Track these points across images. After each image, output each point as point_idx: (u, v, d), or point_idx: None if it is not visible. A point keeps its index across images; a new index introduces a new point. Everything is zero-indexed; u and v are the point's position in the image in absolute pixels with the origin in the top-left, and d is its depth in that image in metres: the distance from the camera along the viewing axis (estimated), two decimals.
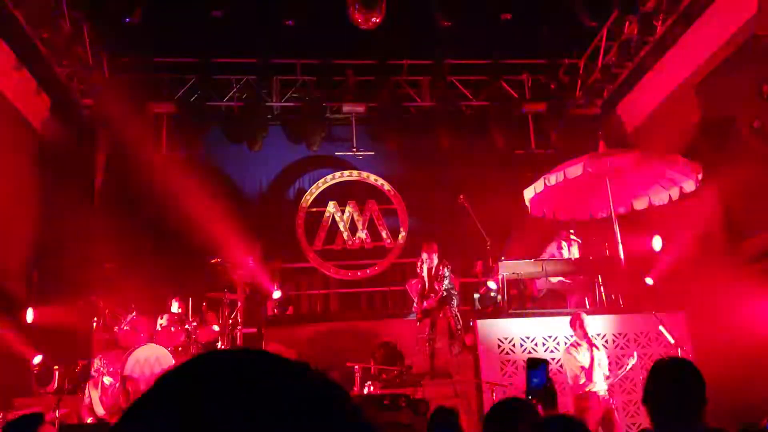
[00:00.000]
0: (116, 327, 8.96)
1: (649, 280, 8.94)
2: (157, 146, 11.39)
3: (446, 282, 8.88)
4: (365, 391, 8.04)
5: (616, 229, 8.41)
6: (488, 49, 11.49)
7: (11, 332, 8.60)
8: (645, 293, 8.45)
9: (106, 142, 11.61)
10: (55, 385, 8.52)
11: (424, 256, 9.10)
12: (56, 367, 8.79)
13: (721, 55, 9.23)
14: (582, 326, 6.64)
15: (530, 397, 2.97)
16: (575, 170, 8.21)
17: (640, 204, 9.33)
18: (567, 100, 12.22)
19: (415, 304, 9.21)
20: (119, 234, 10.75)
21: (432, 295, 8.89)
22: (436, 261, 9.04)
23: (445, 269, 8.96)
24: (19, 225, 10.46)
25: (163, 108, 11.44)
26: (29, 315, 9.58)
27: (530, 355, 7.13)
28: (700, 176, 8.38)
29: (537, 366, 3.02)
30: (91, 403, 6.84)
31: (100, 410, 6.73)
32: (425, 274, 9.10)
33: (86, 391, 6.98)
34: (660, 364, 2.61)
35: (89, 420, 6.62)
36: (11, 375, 8.34)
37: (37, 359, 8.66)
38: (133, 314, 8.95)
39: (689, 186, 8.66)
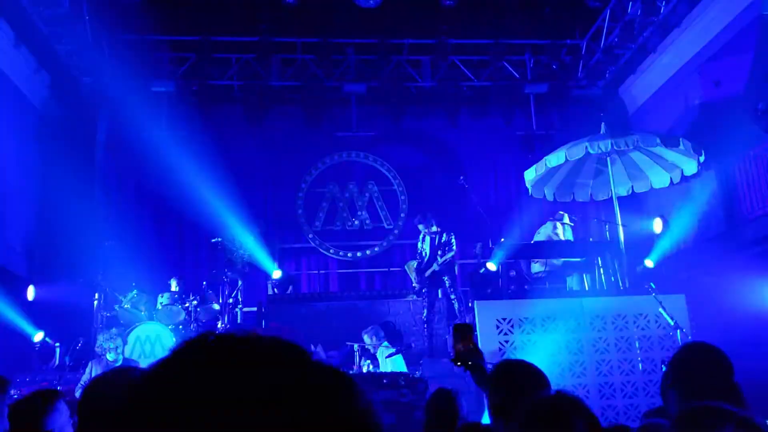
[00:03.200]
0: (117, 305, 9.01)
1: (649, 263, 8.95)
2: (158, 124, 11.34)
3: (450, 252, 8.90)
4: (364, 369, 8.10)
5: (617, 211, 8.40)
6: (490, 28, 11.39)
7: (13, 309, 8.64)
8: (645, 275, 8.46)
9: (107, 120, 11.58)
10: (56, 361, 8.58)
11: (421, 227, 9.13)
12: (57, 344, 8.86)
13: (725, 36, 9.16)
14: None
15: (458, 363, 2.95)
16: (576, 151, 8.19)
17: (640, 186, 9.32)
18: (569, 81, 12.17)
19: (414, 282, 9.19)
20: (120, 212, 10.77)
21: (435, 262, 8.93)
22: (435, 229, 9.05)
23: (451, 236, 8.98)
24: (20, 203, 10.47)
25: (163, 86, 11.36)
26: (30, 292, 9.63)
27: (522, 337, 7.18)
28: (701, 159, 8.36)
29: (463, 331, 3.01)
30: (90, 376, 6.90)
31: None
32: (427, 245, 9.10)
33: (88, 368, 7.03)
34: (692, 348, 2.58)
35: None
36: (13, 352, 8.39)
37: (39, 336, 8.72)
38: (134, 292, 8.99)
39: (690, 168, 8.64)
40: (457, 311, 8.91)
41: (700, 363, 2.49)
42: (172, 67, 11.49)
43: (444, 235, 9.07)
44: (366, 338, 8.39)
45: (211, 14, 10.56)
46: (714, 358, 2.49)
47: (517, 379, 2.47)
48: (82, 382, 6.90)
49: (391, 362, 8.09)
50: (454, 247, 8.90)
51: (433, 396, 3.95)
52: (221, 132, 11.63)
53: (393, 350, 8.23)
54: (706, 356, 2.52)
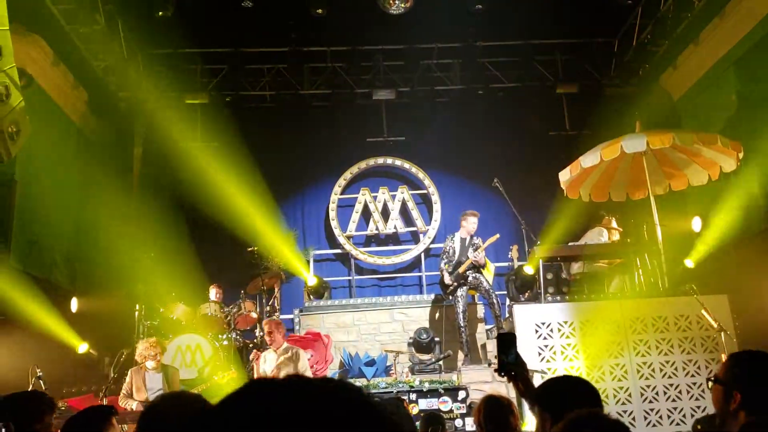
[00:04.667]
0: (158, 315, 9.17)
1: (689, 263, 8.80)
2: (193, 136, 11.53)
3: (479, 254, 8.95)
4: (402, 377, 8.11)
5: (654, 210, 8.27)
6: (520, 29, 11.32)
7: (58, 321, 8.84)
8: (685, 276, 8.32)
9: (143, 133, 11.81)
10: (102, 372, 8.76)
11: (472, 221, 9.22)
12: (95, 353, 9.05)
13: (761, 30, 8.97)
14: None
15: (502, 374, 2.95)
16: (611, 151, 8.09)
17: (678, 184, 9.17)
18: (601, 79, 12.04)
19: (448, 282, 9.12)
20: (158, 224, 10.97)
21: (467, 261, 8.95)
22: (472, 229, 9.09)
23: (479, 239, 9.05)
24: (62, 217, 10.72)
25: (197, 98, 11.54)
26: (74, 304, 9.85)
27: (561, 341, 7.11)
28: (740, 155, 8.19)
29: (508, 341, 3.00)
30: (132, 388, 7.04)
31: (143, 394, 6.91)
32: (457, 245, 9.14)
33: (128, 377, 7.18)
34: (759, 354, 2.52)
35: (133, 406, 6.81)
36: (59, 363, 8.57)
37: (83, 347, 8.91)
38: (175, 302, 9.15)
39: (729, 165, 8.47)
40: (496, 316, 8.89)
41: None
42: (205, 79, 11.66)
43: (474, 237, 9.14)
44: None
45: (242, 26, 10.68)
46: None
47: (573, 398, 2.46)
48: (124, 391, 7.03)
49: None
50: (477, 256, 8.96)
51: (486, 404, 3.87)
52: (254, 141, 11.75)
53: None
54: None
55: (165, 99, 11.36)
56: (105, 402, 6.52)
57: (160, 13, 9.45)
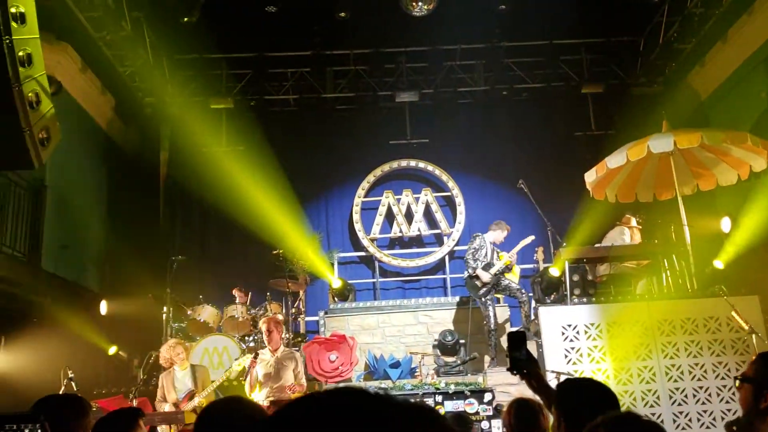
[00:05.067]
0: (185, 317, 9.27)
1: (718, 263, 8.67)
2: (218, 141, 11.65)
3: (514, 255, 8.96)
4: (427, 379, 8.10)
5: (682, 210, 8.16)
6: (544, 29, 11.26)
7: (88, 324, 8.99)
8: (714, 277, 8.20)
9: (169, 138, 11.96)
10: (132, 374, 8.88)
11: (502, 234, 9.25)
12: (125, 355, 9.18)
13: None
14: None
15: (514, 372, 2.94)
16: (638, 151, 8.00)
17: (706, 184, 9.04)
18: (627, 79, 11.92)
19: (487, 279, 9.04)
20: (184, 227, 11.10)
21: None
22: (497, 239, 9.10)
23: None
24: (91, 221, 10.91)
25: (221, 103, 11.66)
26: (103, 307, 10.01)
27: (588, 343, 7.06)
28: None
29: (519, 339, 3.00)
30: (164, 391, 7.10)
31: (173, 396, 6.97)
32: (489, 247, 9.12)
33: (160, 382, 7.25)
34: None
35: (165, 407, 6.87)
36: (89, 365, 8.71)
37: (112, 350, 9.04)
38: (202, 304, 9.25)
39: (759, 164, 8.33)
40: (525, 315, 8.86)
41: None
42: (229, 83, 11.77)
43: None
44: None
45: (266, 30, 10.77)
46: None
47: (589, 398, 2.45)
48: (159, 396, 7.05)
49: None
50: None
51: (516, 407, 3.85)
52: (278, 145, 11.84)
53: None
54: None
55: (190, 104, 11.52)
56: (135, 403, 6.61)
57: (186, 19, 9.57)
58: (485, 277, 8.88)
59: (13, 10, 5.40)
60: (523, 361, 2.92)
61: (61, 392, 6.21)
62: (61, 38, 9.60)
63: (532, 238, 9.20)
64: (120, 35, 9.78)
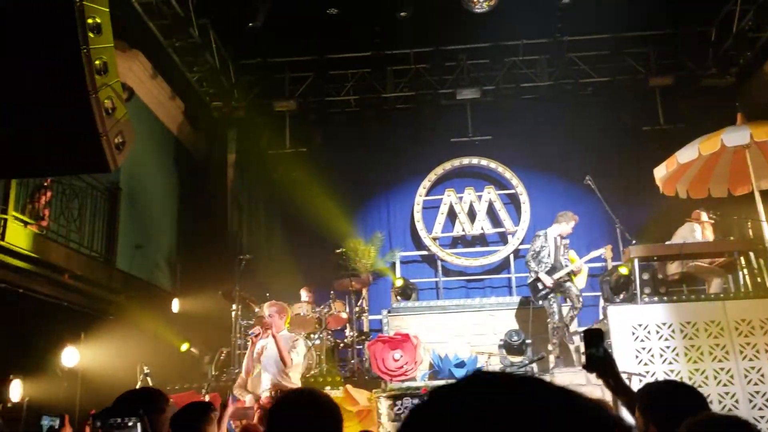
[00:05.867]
0: (254, 315, 9.46)
1: None
2: (281, 143, 11.86)
3: (582, 263, 8.76)
4: None
5: (759, 206, 7.82)
6: (609, 21, 10.99)
7: (161, 321, 9.29)
8: None
9: (235, 140, 12.25)
10: (203, 370, 9.13)
11: (570, 225, 8.93)
12: (197, 351, 9.44)
13: None
14: None
15: (591, 370, 2.84)
16: (710, 145, 7.72)
17: None
18: (697, 70, 11.50)
19: (549, 284, 8.89)
20: (251, 227, 11.35)
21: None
22: (564, 232, 8.88)
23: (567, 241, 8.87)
24: (163, 222, 11.29)
25: (285, 106, 11.85)
26: (175, 305, 10.33)
27: (660, 343, 6.87)
28: None
29: (596, 336, 2.91)
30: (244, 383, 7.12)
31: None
32: (552, 246, 8.88)
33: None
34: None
35: (247, 399, 6.90)
36: (162, 361, 9.00)
37: (184, 346, 9.31)
38: (272, 304, 9.41)
39: None
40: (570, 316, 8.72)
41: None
42: (292, 86, 11.96)
43: (565, 238, 8.92)
44: None
45: (327, 33, 10.89)
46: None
47: (680, 401, 2.38)
48: (235, 392, 7.12)
49: None
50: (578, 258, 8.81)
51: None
52: (340, 145, 11.96)
53: None
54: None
55: (255, 107, 11.77)
56: (207, 398, 6.79)
57: (251, 24, 9.77)
58: (548, 281, 8.67)
59: (90, 21, 5.65)
60: (600, 359, 2.81)
61: (137, 387, 6.43)
62: (132, 45, 9.96)
63: (603, 250, 8.99)
64: (188, 42, 10.08)
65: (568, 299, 8.95)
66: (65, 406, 7.13)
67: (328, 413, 2.15)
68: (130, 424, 2.46)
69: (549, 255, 8.80)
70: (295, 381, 6.40)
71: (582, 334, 3.18)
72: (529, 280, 9.01)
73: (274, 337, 6.42)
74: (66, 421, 3.22)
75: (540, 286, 8.79)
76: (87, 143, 5.92)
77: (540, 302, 8.90)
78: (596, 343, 2.85)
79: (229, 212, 11.80)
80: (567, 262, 8.82)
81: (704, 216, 8.83)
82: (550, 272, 8.70)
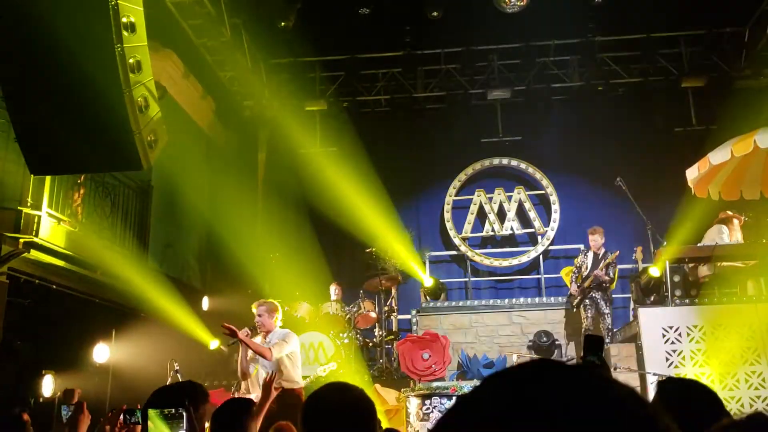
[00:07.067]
0: (283, 313, 9.53)
1: None
2: (312, 142, 11.94)
3: (610, 271, 8.84)
4: None
5: None
6: (641, 22, 10.87)
7: (191, 319, 9.42)
8: None
9: (266, 139, 12.37)
10: (232, 368, 9.23)
11: (590, 237, 9.24)
12: (226, 349, 9.54)
13: None
14: None
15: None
16: (743, 146, 7.60)
17: None
18: (731, 71, 11.32)
19: (574, 291, 9.00)
20: (282, 225, 11.45)
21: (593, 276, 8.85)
22: (594, 246, 9.03)
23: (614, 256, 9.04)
24: (193, 220, 11.43)
25: (316, 105, 11.94)
26: (205, 302, 10.46)
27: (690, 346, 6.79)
28: None
29: (597, 343, 2.92)
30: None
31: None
32: (590, 261, 9.04)
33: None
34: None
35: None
36: (193, 358, 9.14)
37: (214, 344, 9.43)
38: (303, 303, 9.50)
39: None
40: (606, 328, 8.69)
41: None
42: (323, 86, 12.05)
43: (609, 254, 8.99)
44: None
45: (358, 32, 10.95)
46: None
47: (694, 402, 2.35)
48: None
49: None
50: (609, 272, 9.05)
51: None
52: (370, 144, 12.00)
53: None
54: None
55: (286, 106, 11.87)
56: (236, 395, 6.86)
57: (282, 23, 9.87)
58: (572, 288, 9.28)
59: (124, 20, 5.77)
60: (597, 366, 2.85)
61: (167, 383, 6.52)
62: (165, 45, 10.12)
63: (616, 253, 9.21)
64: (220, 41, 10.23)
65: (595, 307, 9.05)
66: (96, 403, 7.27)
67: (364, 405, 2.18)
68: (177, 414, 2.53)
69: (586, 269, 9.27)
70: (296, 378, 6.35)
71: (583, 339, 3.18)
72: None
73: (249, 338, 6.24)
74: (84, 408, 3.30)
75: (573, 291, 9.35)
76: (120, 140, 6.05)
77: (574, 308, 9.25)
78: (596, 349, 2.88)
79: (259, 211, 11.92)
80: (609, 270, 9.16)
81: (735, 218, 8.69)
82: (580, 284, 9.19)
